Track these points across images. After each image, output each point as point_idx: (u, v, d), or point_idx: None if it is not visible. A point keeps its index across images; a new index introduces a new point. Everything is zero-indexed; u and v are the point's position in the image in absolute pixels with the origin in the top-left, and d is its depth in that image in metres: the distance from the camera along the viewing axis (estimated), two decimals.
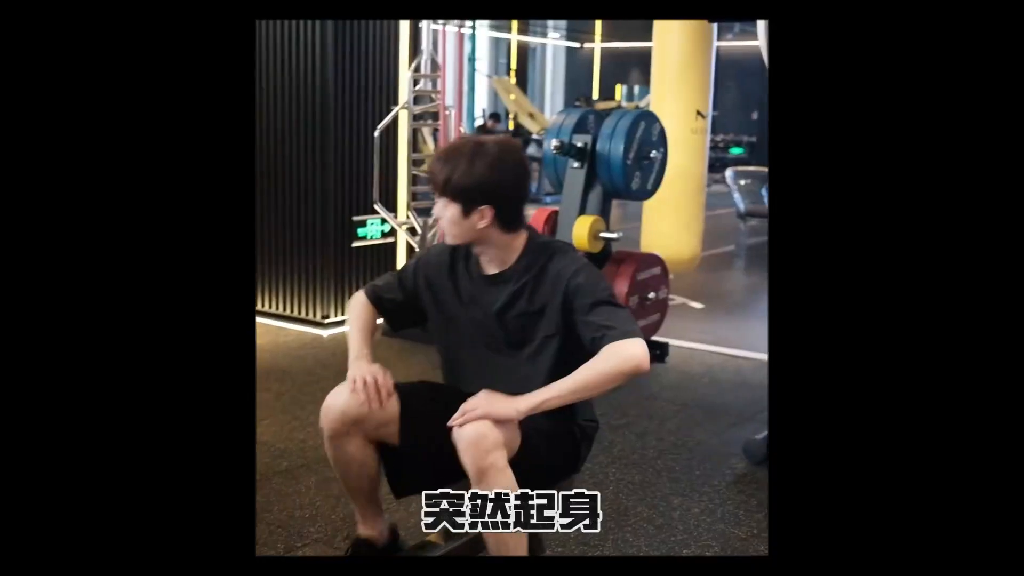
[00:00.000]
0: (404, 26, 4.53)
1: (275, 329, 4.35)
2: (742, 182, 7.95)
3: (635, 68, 17.99)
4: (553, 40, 18.14)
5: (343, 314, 4.27)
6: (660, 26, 5.28)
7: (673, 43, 5.33)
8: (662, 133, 3.85)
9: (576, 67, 18.74)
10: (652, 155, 3.80)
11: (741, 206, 7.92)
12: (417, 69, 4.35)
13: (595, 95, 17.62)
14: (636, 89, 18.08)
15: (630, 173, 3.72)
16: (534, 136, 11.09)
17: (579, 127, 3.80)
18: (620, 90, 17.98)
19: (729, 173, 8.22)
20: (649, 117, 3.83)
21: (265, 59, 4.32)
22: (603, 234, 3.74)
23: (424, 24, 4.37)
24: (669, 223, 5.16)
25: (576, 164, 3.77)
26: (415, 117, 4.40)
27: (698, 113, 5.35)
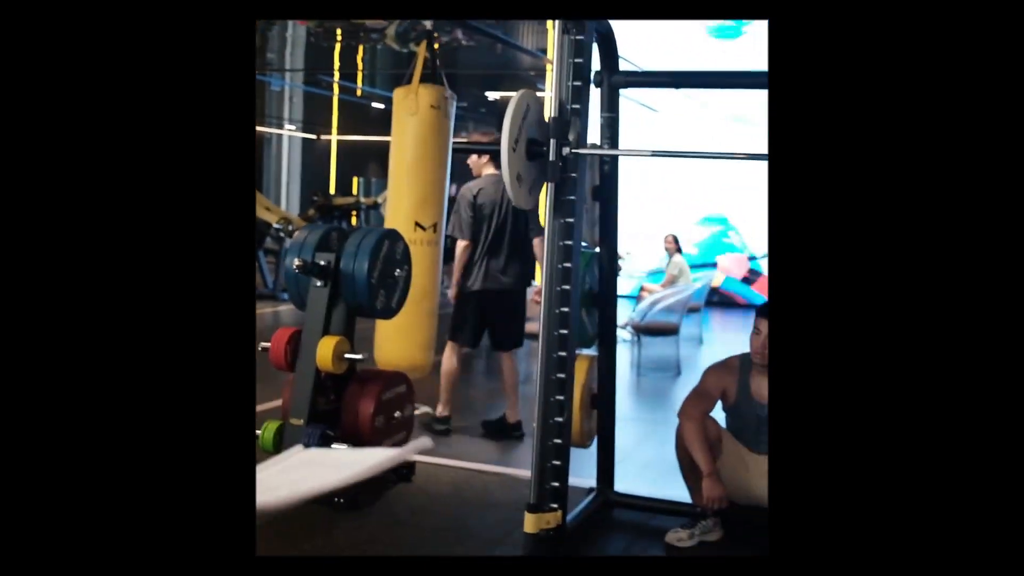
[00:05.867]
0: None
1: None
2: None
3: (373, 161, 18.18)
4: (289, 131, 17.99)
5: None
6: (393, 128, 4.90)
7: (401, 150, 4.84)
8: (406, 251, 3.86)
9: (313, 159, 18.64)
10: (396, 273, 3.78)
11: None
12: None
13: (332, 189, 17.56)
14: (373, 182, 18.25)
15: (375, 292, 3.67)
16: (274, 226, 10.81)
17: (322, 245, 3.72)
18: (357, 183, 18.07)
19: None
20: (393, 235, 3.83)
21: None
22: (348, 355, 3.64)
23: None
24: (393, 331, 5.02)
25: (319, 283, 3.67)
26: None
27: (417, 225, 5.06)
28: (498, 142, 3.18)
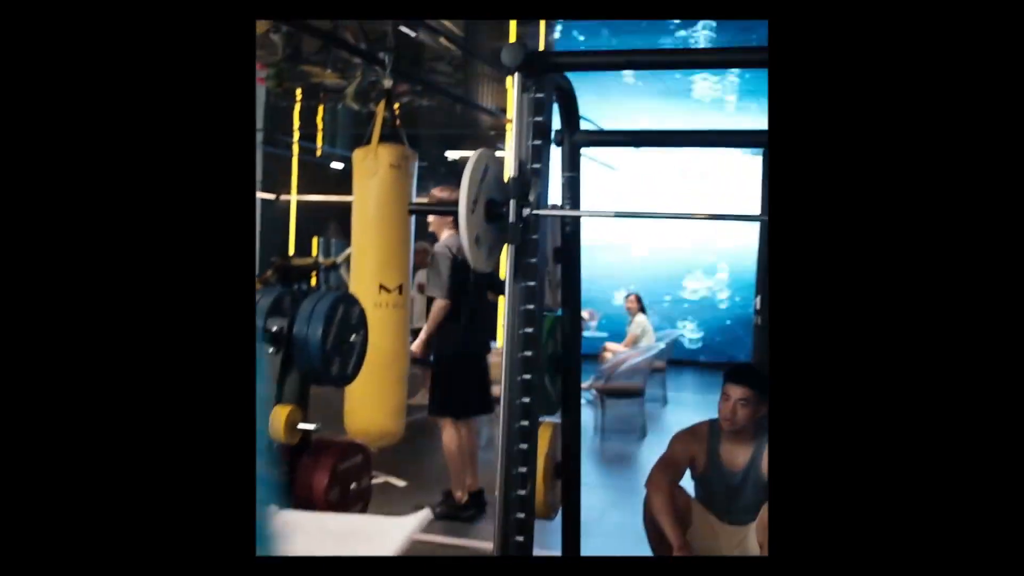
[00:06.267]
0: None
1: None
2: None
3: (333, 221, 18.04)
4: None
5: None
6: (354, 190, 4.74)
7: (363, 212, 4.72)
8: (362, 315, 3.73)
9: (272, 219, 18.43)
10: (352, 339, 3.64)
11: None
12: None
13: (291, 249, 17.36)
14: (333, 243, 18.06)
15: (329, 358, 3.53)
16: None
17: (274, 310, 3.58)
18: (316, 244, 17.89)
19: None
20: (348, 299, 3.70)
21: None
22: (301, 425, 3.48)
23: None
24: (362, 397, 4.85)
25: (271, 350, 3.52)
26: None
27: (381, 287, 4.97)
28: (446, 202, 3.08)
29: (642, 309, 8.77)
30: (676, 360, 10.23)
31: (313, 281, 13.46)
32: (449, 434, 4.69)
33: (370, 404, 4.66)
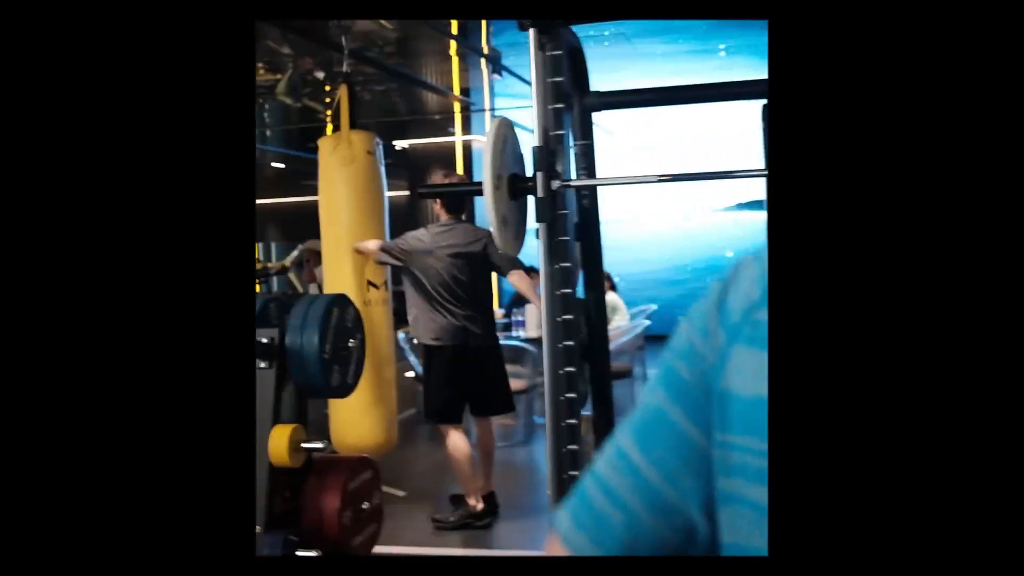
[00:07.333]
0: None
1: None
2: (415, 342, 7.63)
3: (271, 224, 17.50)
4: None
5: None
6: (323, 182, 4.35)
7: (340, 204, 4.38)
8: (358, 317, 3.38)
9: None
10: (350, 344, 3.30)
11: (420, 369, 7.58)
12: None
13: None
14: (273, 246, 17.53)
15: (328, 368, 3.18)
16: None
17: (261, 320, 3.21)
18: (258, 249, 17.35)
19: (401, 335, 7.87)
20: (343, 301, 3.35)
21: None
22: (305, 444, 3.13)
23: None
24: (353, 406, 4.50)
25: (263, 364, 3.16)
26: None
27: (369, 283, 4.62)
28: (463, 182, 2.77)
29: (612, 287, 8.52)
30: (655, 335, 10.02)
31: (258, 287, 12.91)
32: (449, 440, 4.34)
33: (363, 415, 4.31)
